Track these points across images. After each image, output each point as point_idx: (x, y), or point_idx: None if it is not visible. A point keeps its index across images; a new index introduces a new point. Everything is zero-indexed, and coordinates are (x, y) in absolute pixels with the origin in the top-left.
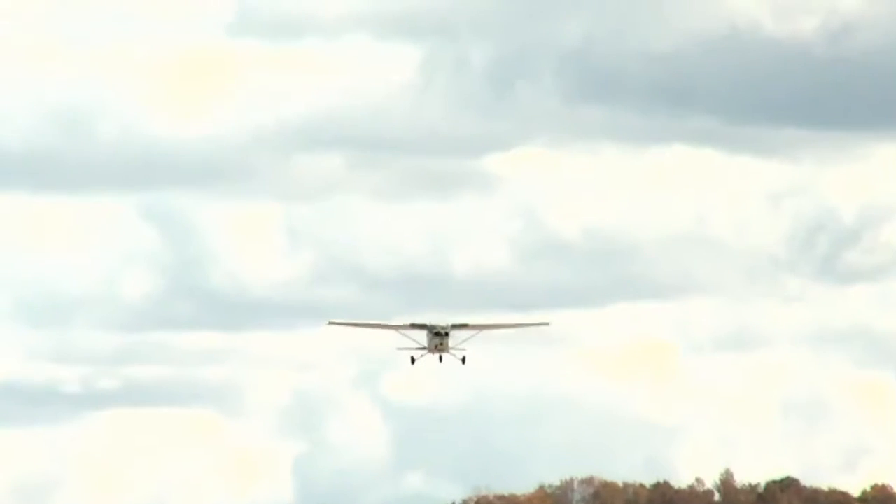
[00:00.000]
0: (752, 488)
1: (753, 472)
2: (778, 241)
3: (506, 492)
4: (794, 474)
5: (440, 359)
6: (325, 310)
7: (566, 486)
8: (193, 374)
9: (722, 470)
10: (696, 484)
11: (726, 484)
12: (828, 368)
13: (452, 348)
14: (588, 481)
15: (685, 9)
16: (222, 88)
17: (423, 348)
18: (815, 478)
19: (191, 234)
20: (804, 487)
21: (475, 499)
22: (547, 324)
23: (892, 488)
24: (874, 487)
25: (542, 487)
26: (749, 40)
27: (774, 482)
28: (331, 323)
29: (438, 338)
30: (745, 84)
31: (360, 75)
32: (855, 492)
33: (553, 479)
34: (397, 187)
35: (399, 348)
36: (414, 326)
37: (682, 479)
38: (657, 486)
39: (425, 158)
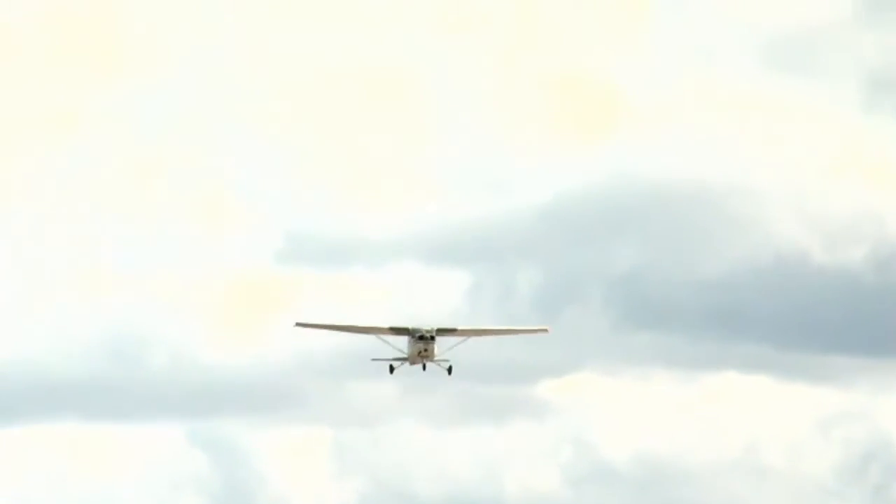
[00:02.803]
0: None
1: None
2: (830, 470)
3: None
4: None
5: (423, 367)
6: None
7: None
8: None
9: None
10: None
11: None
12: None
13: (438, 356)
14: None
15: (734, 236)
16: (271, 314)
17: (401, 359)
18: None
19: (241, 461)
20: None
21: None
22: (546, 330)
23: None
24: None
25: None
26: (798, 268)
27: None
28: (297, 324)
29: (423, 342)
30: (797, 311)
31: (409, 300)
32: None
33: None
34: (449, 413)
35: (374, 359)
36: (394, 330)
37: None
38: None
39: (476, 384)
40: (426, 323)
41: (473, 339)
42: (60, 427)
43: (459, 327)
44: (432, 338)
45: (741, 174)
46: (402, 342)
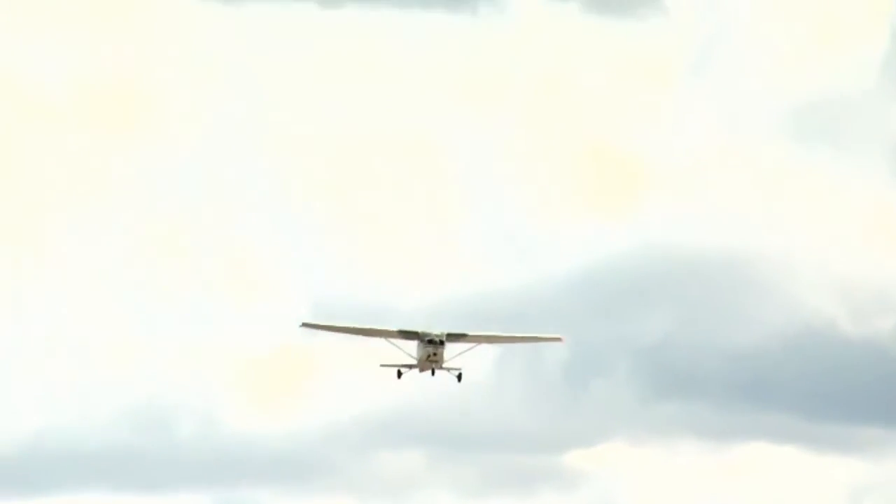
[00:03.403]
0: None
1: None
2: None
3: None
4: None
5: (432, 373)
6: None
7: None
8: None
9: None
10: None
11: None
12: None
13: (447, 362)
14: None
15: (763, 306)
16: (300, 384)
17: (410, 365)
18: None
19: None
20: None
21: None
22: (560, 339)
23: None
24: None
25: None
26: (828, 338)
27: None
28: (304, 325)
29: (432, 347)
30: (827, 381)
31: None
32: None
33: None
34: (478, 483)
35: (383, 365)
36: (403, 334)
37: None
38: None
39: (505, 455)
40: (436, 327)
41: (485, 347)
42: (89, 498)
43: (470, 332)
44: (442, 342)
45: (769, 244)
46: (411, 347)
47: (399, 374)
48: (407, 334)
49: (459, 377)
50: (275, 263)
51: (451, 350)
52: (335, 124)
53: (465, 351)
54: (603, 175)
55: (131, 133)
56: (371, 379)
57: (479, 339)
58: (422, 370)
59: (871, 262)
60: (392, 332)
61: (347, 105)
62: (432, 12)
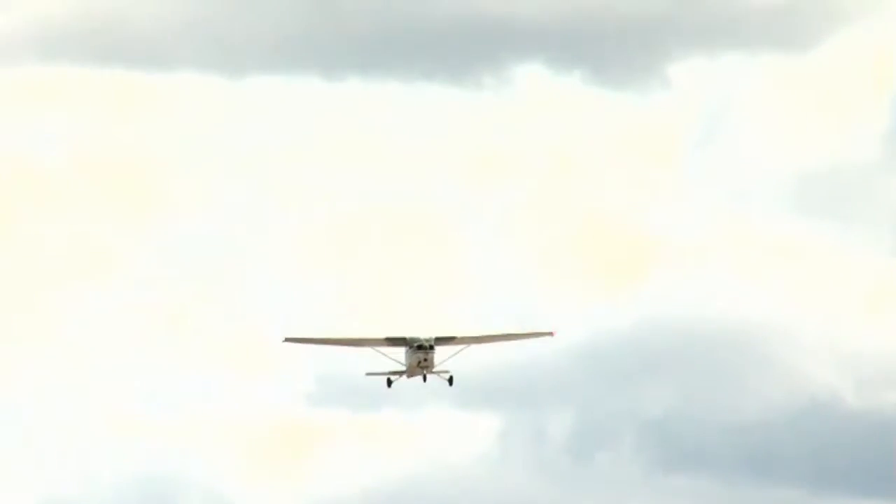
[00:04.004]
0: None
1: None
2: None
3: None
4: None
5: (424, 378)
6: None
7: None
8: None
9: None
10: None
11: None
12: None
13: (437, 366)
14: None
15: (767, 380)
16: (303, 458)
17: (399, 372)
18: None
19: None
20: None
21: None
22: (551, 334)
23: None
24: None
25: None
26: (833, 411)
27: None
28: (287, 339)
29: (422, 352)
30: (832, 455)
31: (440, 445)
32: None
33: None
34: None
35: (369, 373)
36: (390, 341)
37: None
38: None
39: None
40: (424, 333)
41: (475, 348)
42: None
43: (459, 335)
44: (431, 347)
45: (774, 318)
46: (399, 354)
47: (389, 383)
48: (394, 341)
49: (451, 381)
50: (279, 337)
51: (441, 353)
52: (338, 196)
53: (455, 354)
54: (607, 248)
55: (133, 207)
56: (374, 451)
57: (467, 341)
58: (410, 376)
59: (876, 336)
60: (379, 340)
61: (350, 176)
62: (436, 85)
